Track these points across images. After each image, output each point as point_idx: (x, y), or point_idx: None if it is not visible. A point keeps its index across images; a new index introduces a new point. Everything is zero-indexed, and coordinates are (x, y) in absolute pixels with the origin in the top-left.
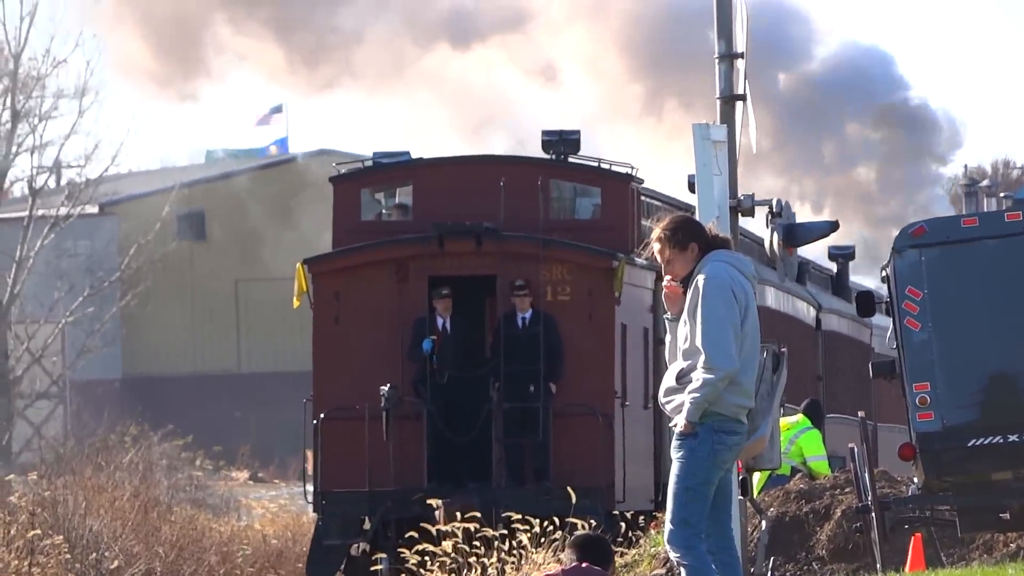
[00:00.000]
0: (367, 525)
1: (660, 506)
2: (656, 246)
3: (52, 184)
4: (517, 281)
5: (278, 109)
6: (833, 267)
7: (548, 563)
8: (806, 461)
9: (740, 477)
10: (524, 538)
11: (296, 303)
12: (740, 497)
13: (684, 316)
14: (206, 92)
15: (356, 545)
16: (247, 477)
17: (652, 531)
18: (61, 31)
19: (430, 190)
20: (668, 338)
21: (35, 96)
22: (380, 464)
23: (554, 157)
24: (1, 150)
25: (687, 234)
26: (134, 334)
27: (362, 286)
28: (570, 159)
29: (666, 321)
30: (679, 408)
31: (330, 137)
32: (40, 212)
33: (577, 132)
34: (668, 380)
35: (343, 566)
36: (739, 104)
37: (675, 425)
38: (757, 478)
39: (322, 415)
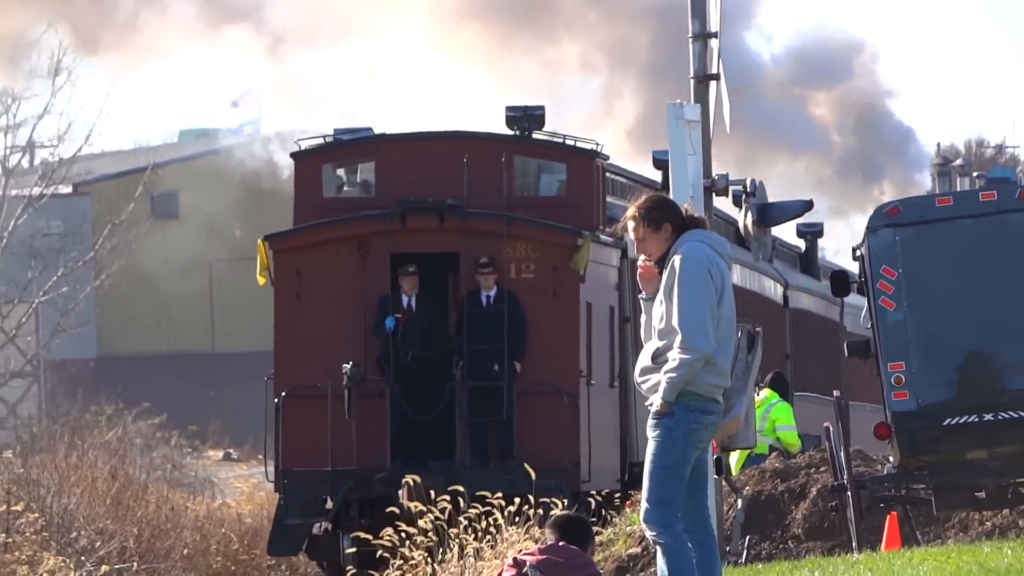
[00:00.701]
0: (329, 504)
1: (627, 486)
2: (630, 224)
3: (25, 164)
4: (482, 259)
5: (250, 91)
6: (802, 244)
7: (521, 540)
8: (776, 430)
9: (715, 456)
10: (499, 516)
11: (261, 280)
12: (715, 476)
13: (660, 296)
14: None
15: (318, 525)
16: (221, 456)
17: (627, 510)
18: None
19: (393, 166)
20: (643, 318)
21: (8, 76)
22: (342, 443)
23: (518, 133)
24: None
25: (662, 213)
26: (108, 314)
27: (324, 263)
28: (534, 135)
29: (641, 301)
30: (655, 388)
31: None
32: (14, 192)
33: (542, 107)
34: (644, 360)
35: (305, 546)
36: (712, 83)
37: (651, 404)
38: (736, 458)
39: (283, 393)
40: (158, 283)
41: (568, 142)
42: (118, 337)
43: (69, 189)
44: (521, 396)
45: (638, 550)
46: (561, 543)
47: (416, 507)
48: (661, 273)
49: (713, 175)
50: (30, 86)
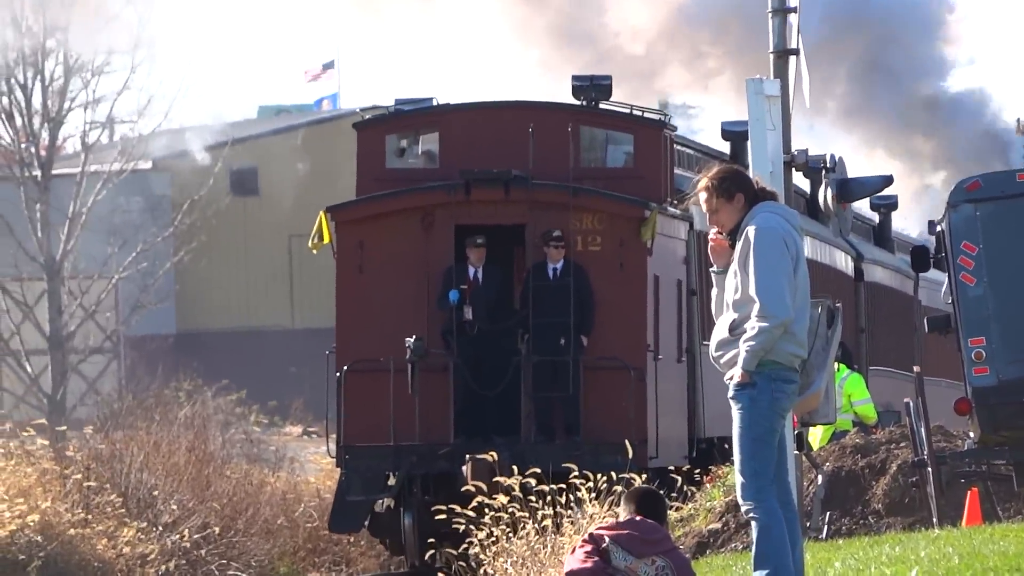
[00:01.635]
0: (392, 481)
1: (695, 462)
2: (702, 195)
3: (105, 140)
4: (555, 232)
5: (330, 65)
6: (876, 217)
7: (603, 516)
8: (853, 405)
9: (795, 432)
10: (582, 492)
11: (313, 248)
12: (796, 452)
13: (733, 268)
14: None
15: (380, 501)
16: (301, 432)
17: (707, 485)
18: None
19: (457, 136)
20: (715, 291)
21: (88, 51)
22: (405, 418)
23: (585, 103)
24: (55, 105)
25: (734, 184)
26: (187, 290)
27: (387, 235)
28: (601, 105)
29: (712, 274)
30: (733, 360)
31: (382, 93)
32: (93, 168)
33: (608, 77)
34: (720, 333)
35: (367, 522)
36: (792, 58)
37: (731, 379)
38: (819, 433)
39: (345, 368)
40: (237, 259)
41: (636, 112)
42: (197, 313)
43: (148, 165)
44: (587, 371)
45: (718, 525)
46: (639, 517)
47: (481, 485)
48: (732, 245)
49: (793, 150)
50: (110, 61)
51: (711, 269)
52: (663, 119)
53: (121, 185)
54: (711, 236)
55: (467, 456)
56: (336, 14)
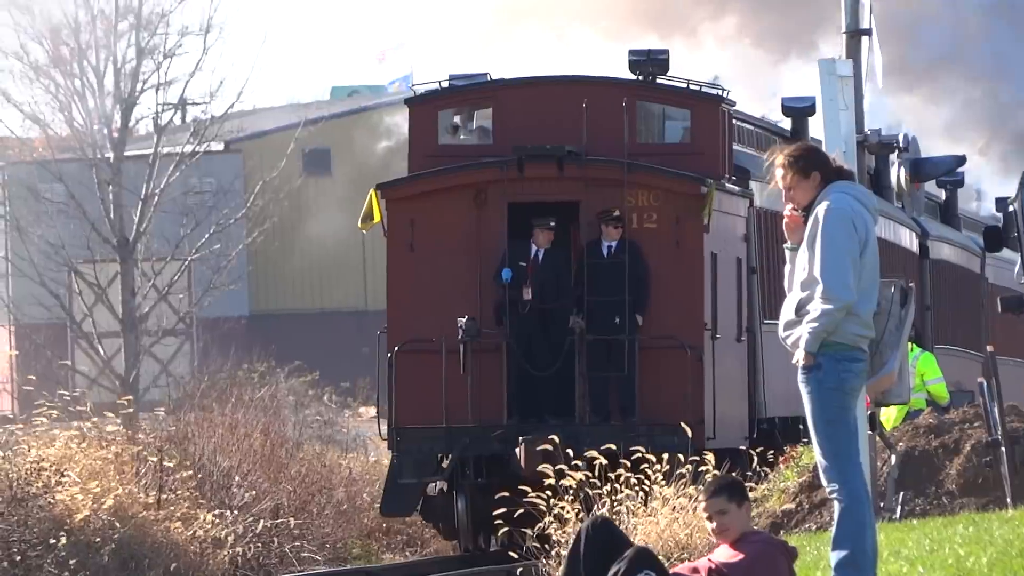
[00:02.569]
0: (444, 464)
1: (756, 443)
2: (778, 172)
3: (177, 121)
4: (614, 211)
5: (401, 46)
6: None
7: (676, 497)
8: (925, 384)
9: (868, 412)
10: (653, 472)
11: (362, 227)
12: (869, 432)
13: (804, 245)
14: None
15: (433, 484)
16: (374, 413)
17: (781, 466)
18: None
19: (510, 112)
20: (787, 267)
21: (160, 33)
22: (457, 399)
23: (641, 78)
24: (127, 87)
25: (811, 162)
26: (261, 271)
27: (438, 213)
28: (658, 80)
29: (786, 250)
30: (799, 341)
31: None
32: (165, 149)
33: (666, 52)
34: (787, 313)
35: (420, 506)
36: (864, 38)
37: (797, 360)
38: (893, 413)
39: (396, 348)
40: (310, 240)
41: (693, 87)
42: (271, 294)
43: (221, 146)
44: (643, 350)
45: (792, 506)
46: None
47: (548, 471)
48: (806, 222)
49: (866, 130)
50: (182, 43)
51: (785, 245)
52: (721, 94)
53: (194, 166)
54: (786, 212)
55: (520, 438)
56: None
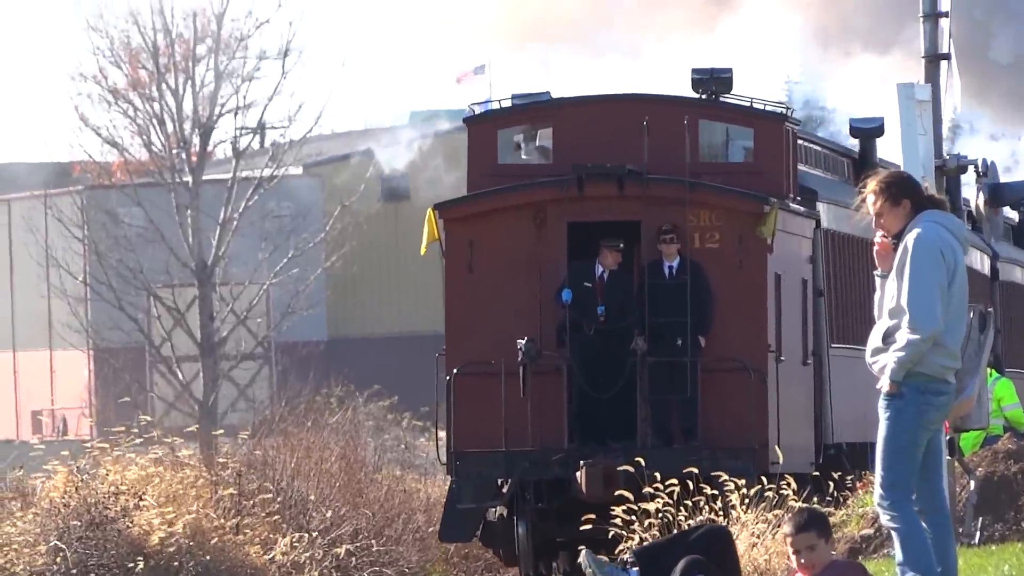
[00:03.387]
0: (504, 488)
1: (822, 469)
2: (870, 198)
3: (256, 145)
4: (664, 226)
5: (480, 69)
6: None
7: (755, 523)
8: (1003, 410)
9: (947, 437)
10: (733, 498)
11: (424, 250)
12: (948, 457)
13: (893, 274)
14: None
15: (492, 509)
16: None
17: (860, 491)
18: None
19: (571, 131)
20: (877, 295)
21: (238, 57)
22: (517, 422)
23: (704, 96)
24: (205, 111)
25: (902, 189)
26: (339, 295)
27: (497, 233)
28: (722, 99)
29: (876, 277)
30: (885, 369)
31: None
32: (244, 173)
33: (729, 70)
34: (874, 340)
35: (479, 531)
36: (943, 63)
37: (881, 386)
38: (971, 438)
39: (455, 371)
40: (388, 264)
41: (756, 105)
42: (349, 319)
43: (299, 170)
44: (705, 372)
45: (871, 531)
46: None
47: (628, 496)
48: (896, 250)
49: (944, 155)
50: (260, 67)
51: (875, 272)
52: (785, 112)
53: (272, 190)
54: (876, 240)
55: (581, 462)
56: (487, 17)
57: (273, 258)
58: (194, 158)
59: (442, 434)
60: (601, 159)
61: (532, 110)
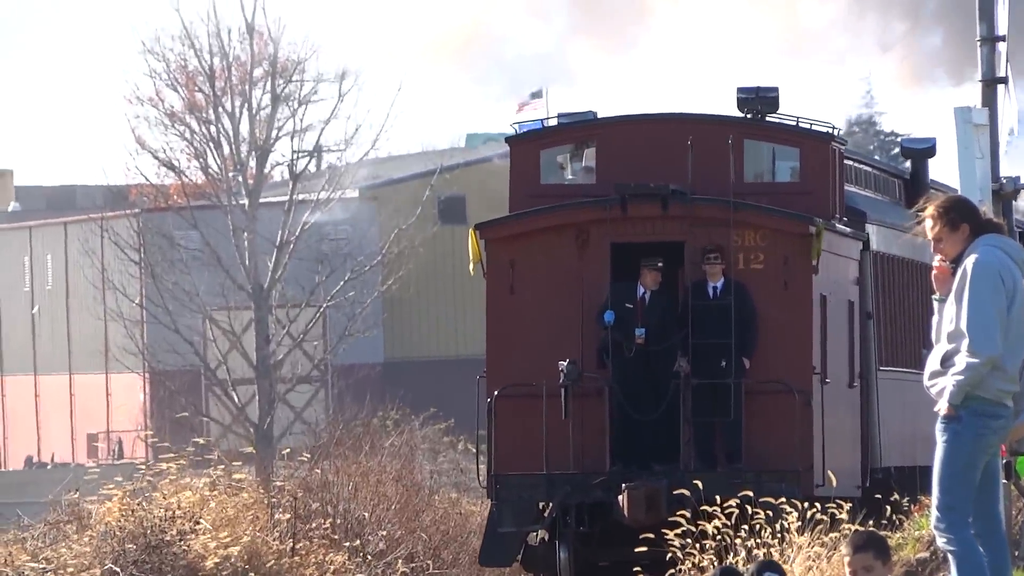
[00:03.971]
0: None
1: (869, 493)
2: (928, 223)
3: (312, 168)
4: (708, 247)
5: (538, 94)
6: None
7: (810, 546)
8: None
9: (1004, 460)
10: (789, 521)
11: (472, 270)
12: (1004, 480)
13: (951, 298)
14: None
15: (533, 533)
16: None
17: (916, 514)
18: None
19: (614, 150)
20: (935, 319)
21: (295, 80)
22: (559, 445)
23: (749, 116)
24: (262, 134)
25: (960, 214)
26: (395, 318)
27: (539, 253)
28: (767, 118)
29: (934, 301)
30: (943, 392)
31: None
32: (300, 196)
33: (775, 89)
34: (932, 364)
35: (520, 556)
36: (1000, 87)
37: (939, 409)
38: None
39: (496, 393)
40: (445, 286)
41: (802, 125)
42: (406, 341)
43: (356, 193)
44: (750, 394)
45: (926, 555)
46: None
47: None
48: (954, 274)
49: (1001, 178)
50: (317, 90)
51: (933, 296)
52: (832, 132)
53: (328, 213)
54: (935, 264)
55: (623, 485)
56: (544, 42)
57: (329, 281)
58: (251, 181)
59: (483, 456)
60: (645, 179)
61: (575, 129)
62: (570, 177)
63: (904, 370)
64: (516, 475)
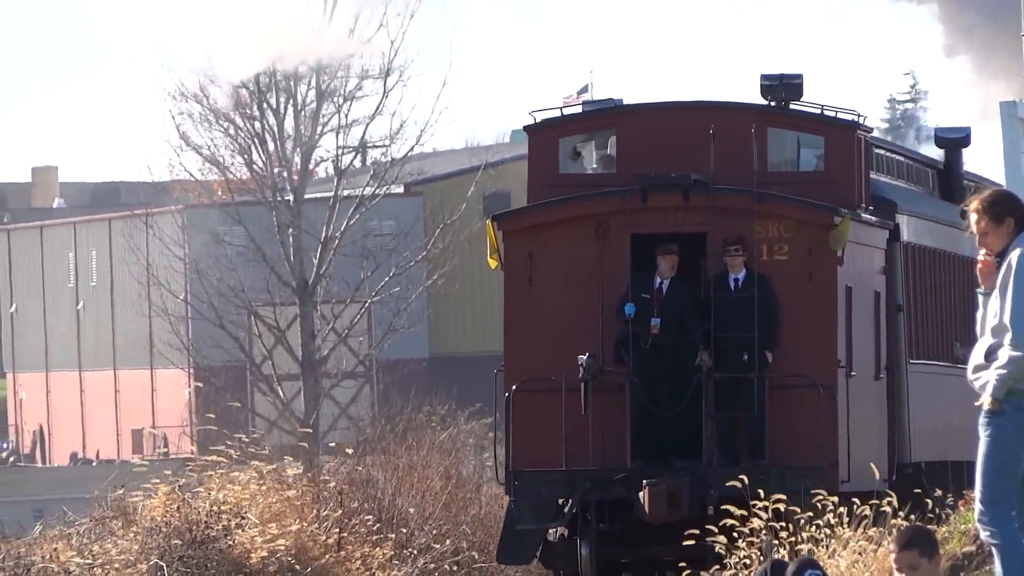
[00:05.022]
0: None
1: (893, 486)
2: (972, 216)
3: (357, 164)
4: (730, 238)
5: (584, 90)
6: None
7: (857, 540)
8: None
9: None
10: (830, 517)
11: (492, 264)
12: None
13: (996, 291)
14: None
15: (552, 530)
16: None
17: (961, 508)
18: (365, 11)
19: (635, 139)
20: (979, 312)
21: (339, 76)
22: (578, 441)
23: (772, 103)
24: (307, 130)
25: (1005, 208)
26: (441, 314)
27: (558, 245)
28: (791, 106)
29: (979, 295)
30: (986, 386)
31: None
32: (345, 192)
33: (799, 76)
34: (976, 357)
35: (539, 553)
36: None
37: (982, 403)
38: None
39: (514, 387)
40: (491, 282)
41: (827, 113)
42: (451, 337)
43: (401, 189)
44: (773, 389)
45: (972, 548)
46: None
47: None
48: (999, 268)
49: None
50: (362, 86)
51: (977, 291)
52: (857, 120)
53: (373, 209)
54: (980, 257)
55: (644, 482)
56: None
57: (375, 276)
58: (295, 177)
59: (500, 452)
60: (666, 168)
61: (594, 118)
62: (594, 166)
63: (936, 363)
64: (535, 471)
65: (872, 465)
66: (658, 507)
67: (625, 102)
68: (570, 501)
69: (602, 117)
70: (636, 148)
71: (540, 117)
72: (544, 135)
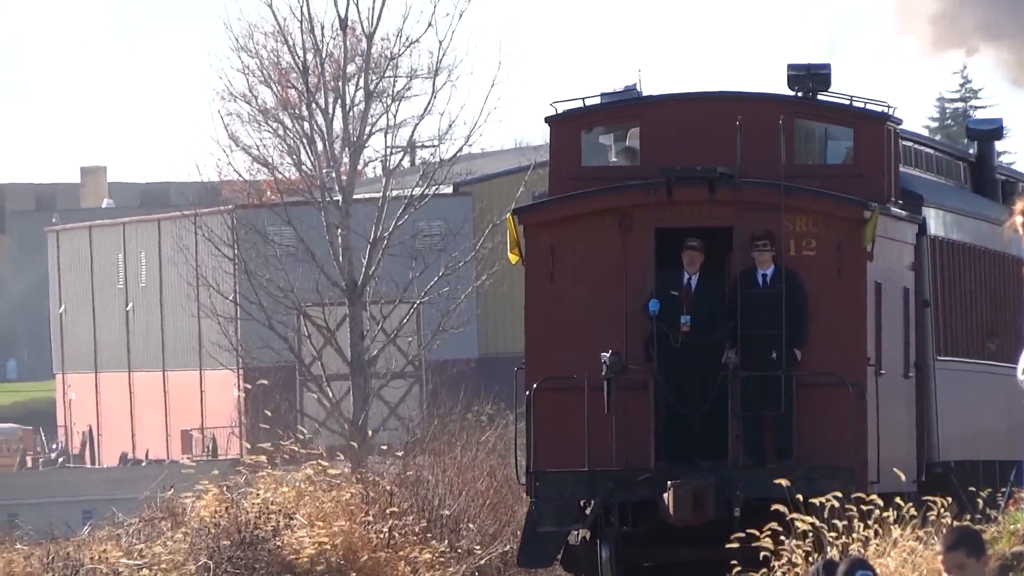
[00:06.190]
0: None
1: (923, 488)
2: (1018, 219)
3: (406, 164)
4: (757, 232)
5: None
6: None
7: (906, 540)
8: None
9: None
10: (885, 514)
11: (513, 259)
12: None
13: None
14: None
15: (574, 532)
16: None
17: (1011, 508)
18: (414, 11)
19: (659, 131)
20: None
21: (388, 76)
22: (601, 441)
23: (800, 94)
24: (355, 130)
25: None
26: (489, 313)
27: (580, 239)
28: (819, 97)
29: None
30: None
31: None
32: (394, 192)
33: (827, 66)
34: None
35: (560, 556)
36: None
37: None
38: None
39: (535, 385)
40: None
41: (856, 104)
42: (499, 337)
43: (449, 189)
44: (801, 387)
45: (1022, 548)
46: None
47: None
48: None
49: None
50: (411, 86)
51: None
52: (887, 111)
53: (422, 209)
54: None
55: (669, 483)
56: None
57: (423, 277)
58: (344, 177)
59: (521, 452)
60: (691, 161)
61: (618, 109)
62: (615, 159)
63: (965, 360)
64: (556, 472)
65: (896, 470)
66: (683, 509)
67: (626, 87)
68: (592, 503)
69: (626, 108)
70: (660, 140)
71: (562, 108)
72: (566, 127)
